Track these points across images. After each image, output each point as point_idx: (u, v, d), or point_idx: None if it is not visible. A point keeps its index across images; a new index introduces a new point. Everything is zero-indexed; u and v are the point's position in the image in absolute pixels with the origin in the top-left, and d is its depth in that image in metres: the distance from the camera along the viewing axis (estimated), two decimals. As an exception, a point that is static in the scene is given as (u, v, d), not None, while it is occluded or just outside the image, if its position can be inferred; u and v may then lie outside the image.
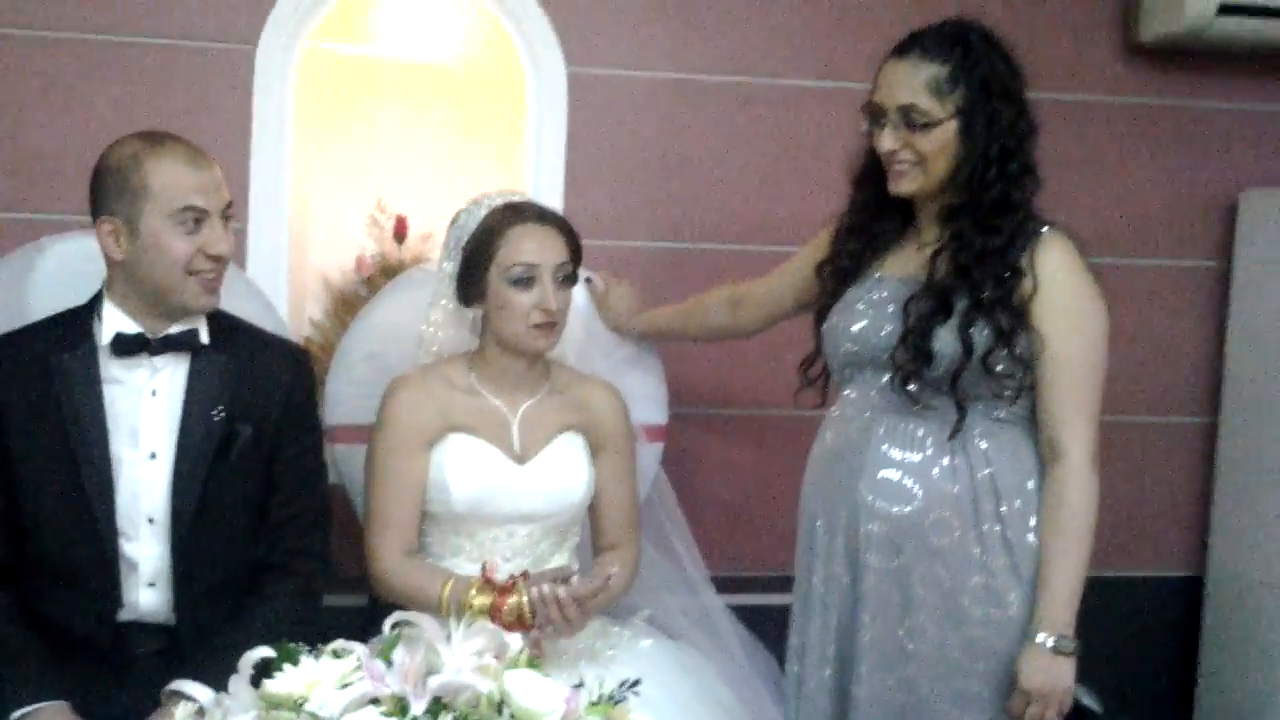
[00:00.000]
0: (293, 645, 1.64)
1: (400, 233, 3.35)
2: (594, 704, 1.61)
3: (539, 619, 2.30)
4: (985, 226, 2.32)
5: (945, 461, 2.34)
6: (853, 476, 2.39)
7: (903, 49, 2.35)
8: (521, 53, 3.27)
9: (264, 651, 1.60)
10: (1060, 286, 2.31)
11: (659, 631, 2.65)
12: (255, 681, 1.63)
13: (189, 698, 2.11)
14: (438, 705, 1.53)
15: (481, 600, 2.31)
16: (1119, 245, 3.55)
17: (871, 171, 2.46)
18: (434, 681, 1.55)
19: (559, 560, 2.55)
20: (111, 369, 2.31)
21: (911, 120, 2.32)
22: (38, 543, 2.30)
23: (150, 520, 2.31)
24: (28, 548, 2.31)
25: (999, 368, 2.29)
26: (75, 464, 2.27)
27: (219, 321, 2.39)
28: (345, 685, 1.54)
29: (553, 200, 3.07)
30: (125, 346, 2.30)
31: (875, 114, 2.38)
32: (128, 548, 2.31)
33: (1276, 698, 3.34)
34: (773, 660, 2.74)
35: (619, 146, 3.34)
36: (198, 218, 2.27)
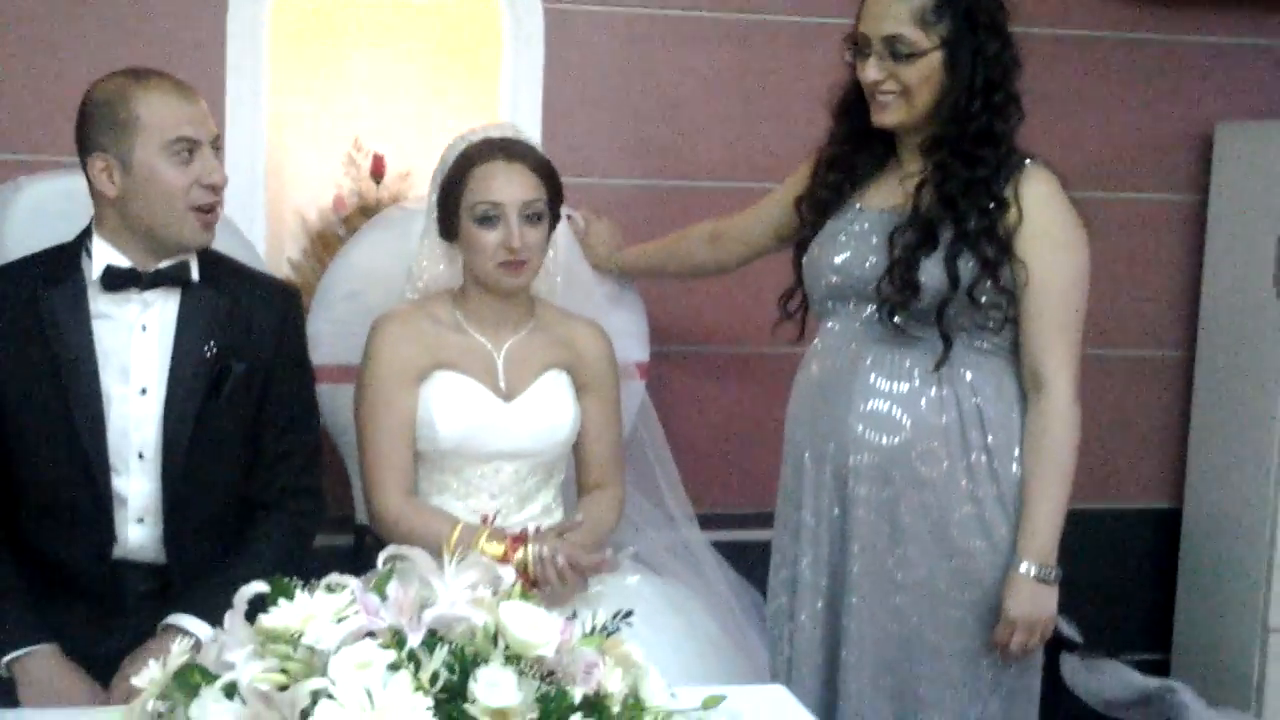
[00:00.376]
0: (287, 580, 1.64)
1: (378, 172, 3.32)
2: (587, 636, 1.62)
3: (538, 578, 2.33)
4: (970, 157, 2.32)
5: (932, 392, 2.35)
6: (840, 408, 2.40)
7: None
8: (498, -12, 3.25)
9: (259, 586, 1.60)
10: (1044, 218, 2.32)
11: (645, 567, 2.67)
12: (249, 617, 1.63)
13: (186, 632, 2.13)
14: (433, 638, 1.53)
15: (493, 548, 2.33)
16: (1095, 179, 3.54)
17: (853, 103, 2.45)
18: (429, 614, 1.54)
19: (545, 498, 2.57)
20: (101, 304, 2.29)
21: (896, 51, 2.31)
22: (29, 480, 2.29)
23: (140, 456, 2.30)
24: (19, 486, 2.30)
25: (984, 299, 2.30)
26: (66, 399, 2.25)
27: (208, 258, 2.37)
28: (341, 619, 1.54)
29: (529, 137, 3.06)
30: (115, 280, 2.28)
31: (860, 44, 2.37)
32: (117, 483, 2.30)
33: (1251, 628, 3.38)
34: (757, 595, 2.76)
35: (596, 83, 3.32)
36: (190, 148, 2.25)
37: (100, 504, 2.29)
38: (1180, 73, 3.60)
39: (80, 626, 2.27)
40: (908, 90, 2.33)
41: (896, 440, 2.36)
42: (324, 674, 1.45)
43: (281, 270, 3.29)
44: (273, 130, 3.25)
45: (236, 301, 2.36)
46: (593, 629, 1.64)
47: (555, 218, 2.57)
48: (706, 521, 2.93)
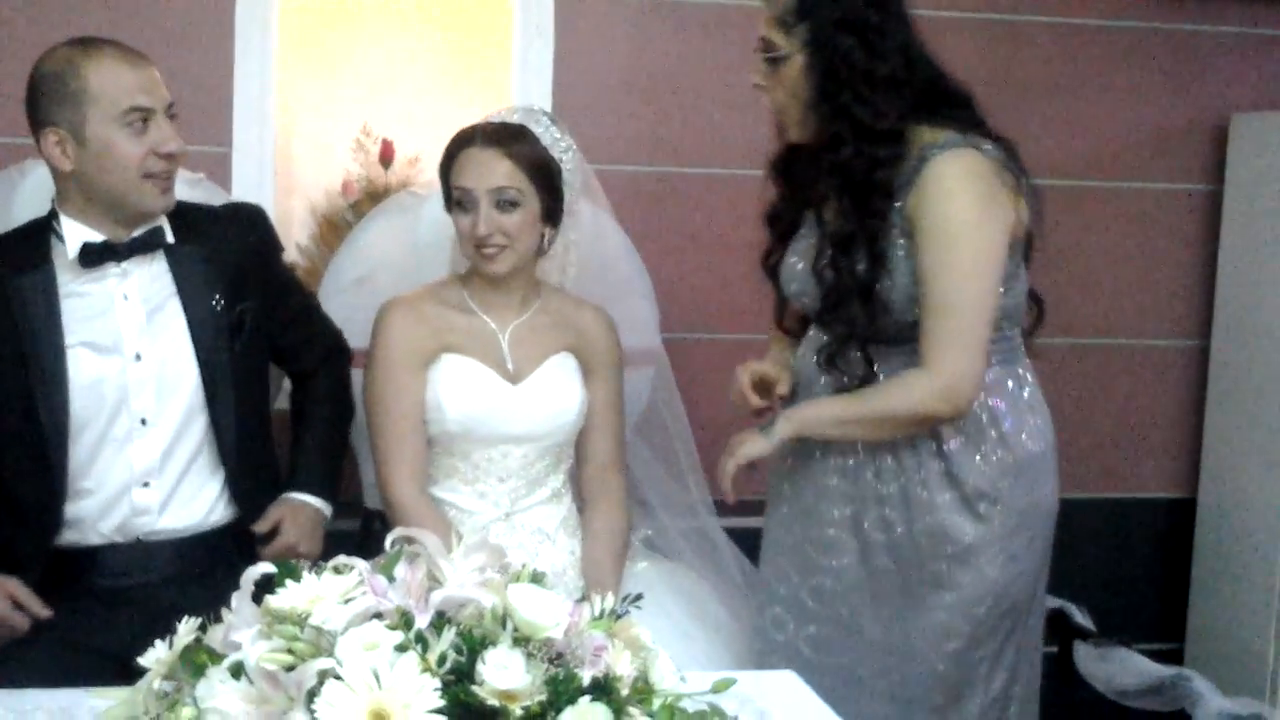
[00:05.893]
0: (294, 562, 1.63)
1: (386, 157, 3.31)
2: (596, 618, 1.61)
3: None
4: (833, 165, 2.26)
5: None
6: None
7: None
8: (508, -27, 3.25)
9: (265, 568, 1.59)
10: (937, 212, 2.20)
11: (655, 554, 2.66)
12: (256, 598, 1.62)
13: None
14: (441, 619, 1.52)
15: None
16: (1111, 169, 3.56)
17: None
18: (437, 596, 1.53)
19: (556, 481, 2.56)
20: (76, 284, 2.28)
21: (766, 55, 2.29)
22: None
23: (143, 422, 2.30)
24: None
25: (892, 302, 2.25)
26: (29, 386, 2.24)
27: (173, 212, 2.37)
28: (348, 600, 1.53)
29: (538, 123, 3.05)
30: (94, 256, 2.27)
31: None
32: (122, 452, 2.29)
33: (1265, 617, 3.38)
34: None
35: (606, 69, 3.32)
36: (144, 117, 2.24)
37: (53, 496, 2.27)
38: (1196, 63, 3.59)
39: (89, 612, 2.26)
40: (781, 99, 2.30)
41: (851, 461, 2.35)
42: (331, 655, 1.44)
43: (290, 256, 3.27)
44: (281, 115, 3.25)
45: (215, 245, 2.38)
46: (601, 612, 1.62)
47: (551, 208, 2.52)
48: (723, 507, 2.90)
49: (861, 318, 2.25)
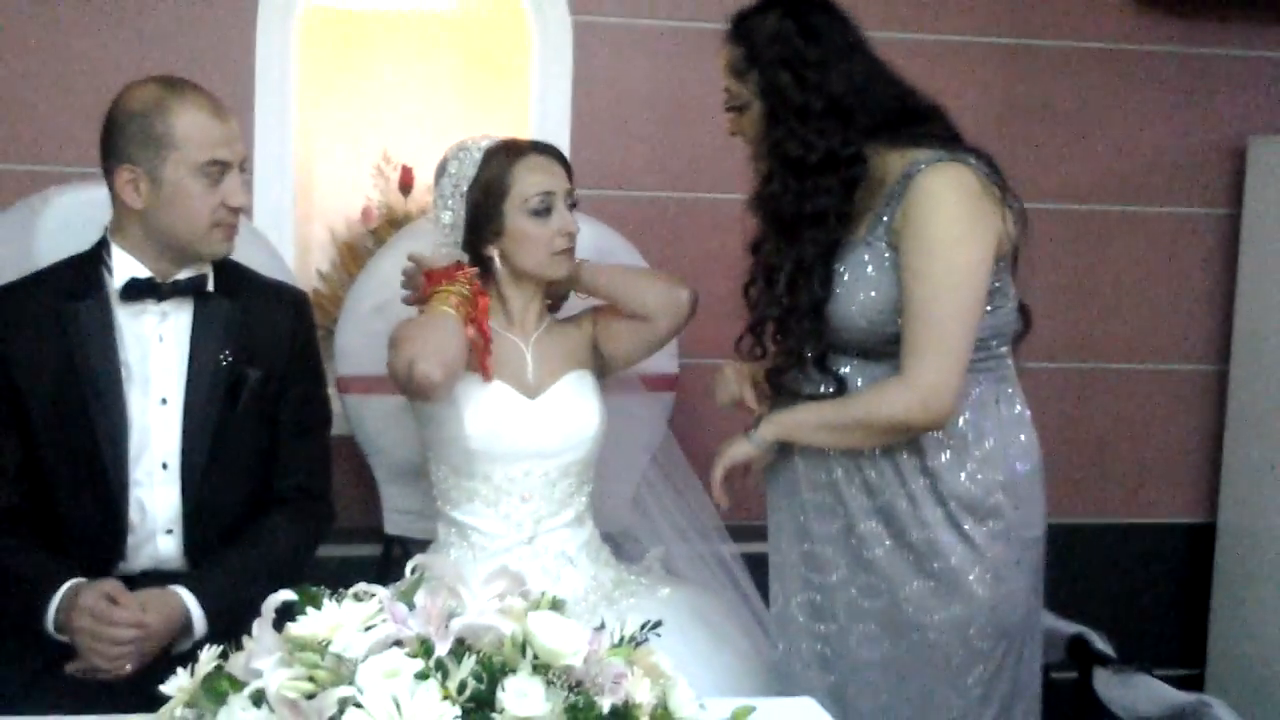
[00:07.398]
0: (314, 589, 1.63)
1: (406, 184, 3.33)
2: (616, 646, 1.61)
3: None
4: (763, 201, 2.33)
5: None
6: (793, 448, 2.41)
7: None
8: (525, 0, 3.25)
9: (285, 595, 1.59)
10: (924, 224, 2.19)
11: (675, 578, 2.65)
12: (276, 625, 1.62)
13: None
14: (461, 647, 1.52)
15: (456, 289, 2.42)
16: (1128, 193, 3.54)
17: None
18: (456, 624, 1.53)
19: (579, 503, 2.55)
20: (121, 316, 2.28)
21: (730, 105, 2.34)
22: (46, 498, 2.28)
23: (164, 466, 2.30)
24: (39, 505, 2.28)
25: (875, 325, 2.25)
26: (90, 416, 2.24)
27: (222, 266, 2.37)
28: (368, 627, 1.53)
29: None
30: (136, 291, 2.27)
31: None
32: (143, 495, 2.29)
33: (1287, 642, 3.37)
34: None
35: (625, 95, 3.32)
36: (222, 170, 2.25)
37: (114, 522, 2.27)
38: (1214, 85, 3.57)
39: None
40: (751, 144, 2.33)
41: (839, 474, 2.33)
42: (351, 682, 1.44)
43: (311, 282, 3.29)
44: (301, 143, 3.26)
45: (249, 309, 2.36)
46: (621, 639, 1.62)
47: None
48: (740, 533, 2.90)
49: (812, 335, 2.28)
